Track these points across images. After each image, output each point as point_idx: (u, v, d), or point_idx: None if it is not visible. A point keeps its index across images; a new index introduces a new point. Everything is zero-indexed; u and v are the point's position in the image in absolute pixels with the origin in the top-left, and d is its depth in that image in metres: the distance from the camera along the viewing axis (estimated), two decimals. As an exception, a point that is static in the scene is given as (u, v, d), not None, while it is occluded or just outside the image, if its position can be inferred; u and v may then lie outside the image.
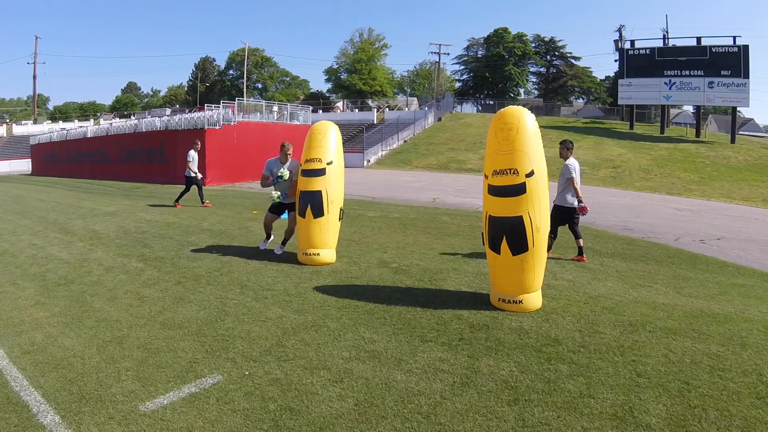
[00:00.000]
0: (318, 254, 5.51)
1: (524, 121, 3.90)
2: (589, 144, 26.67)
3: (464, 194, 14.00)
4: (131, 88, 78.10)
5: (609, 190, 16.58)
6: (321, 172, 5.47)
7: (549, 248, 4.04)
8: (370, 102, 48.78)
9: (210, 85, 62.55)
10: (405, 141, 31.82)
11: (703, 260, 6.16)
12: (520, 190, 3.81)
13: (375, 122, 35.68)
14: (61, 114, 65.41)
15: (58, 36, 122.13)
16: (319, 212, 5.42)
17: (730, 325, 3.69)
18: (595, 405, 2.57)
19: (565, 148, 5.90)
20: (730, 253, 6.71)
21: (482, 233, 4.24)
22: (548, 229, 4.00)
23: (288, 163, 6.01)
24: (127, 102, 69.63)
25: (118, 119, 45.57)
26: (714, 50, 27.06)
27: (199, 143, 11.59)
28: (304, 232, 5.55)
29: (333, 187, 5.51)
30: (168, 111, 42.79)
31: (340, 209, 5.64)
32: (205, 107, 23.83)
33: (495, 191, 3.94)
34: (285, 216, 6.19)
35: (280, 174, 5.84)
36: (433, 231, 7.85)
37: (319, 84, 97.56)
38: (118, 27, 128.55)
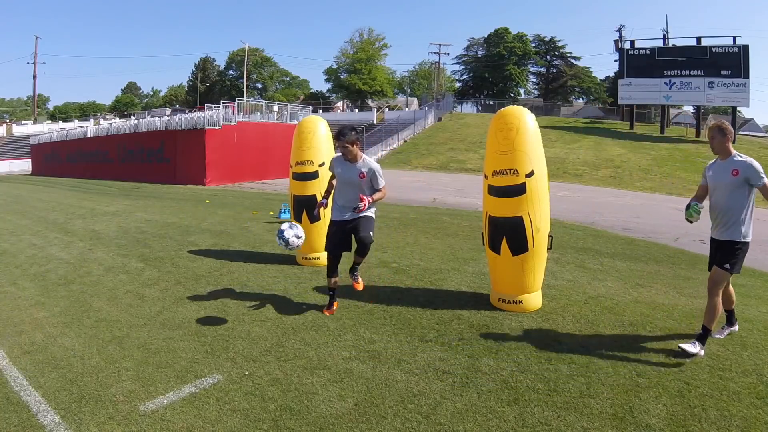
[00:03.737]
0: (318, 258, 5.50)
1: (524, 121, 3.90)
2: (589, 144, 26.67)
3: (464, 194, 13.99)
4: (131, 88, 78.01)
5: (609, 190, 16.56)
6: (314, 176, 5.29)
7: (549, 247, 4.05)
8: (370, 102, 48.73)
9: (210, 85, 62.52)
10: (405, 141, 31.82)
11: (703, 260, 6.10)
12: (520, 190, 3.81)
13: (375, 122, 35.69)
14: (61, 114, 65.43)
15: (58, 36, 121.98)
16: (315, 217, 5.30)
17: (730, 325, 3.68)
18: (595, 405, 2.57)
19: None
20: (730, 253, 6.69)
21: (482, 233, 4.24)
22: (548, 229, 4.00)
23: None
24: (127, 102, 69.56)
25: (118, 119, 45.52)
26: (714, 50, 27.02)
27: None
28: None
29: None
30: (168, 111, 42.79)
31: None
32: (205, 107, 23.83)
33: (495, 191, 3.94)
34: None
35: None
36: (433, 231, 7.84)
37: (319, 84, 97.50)
38: (118, 27, 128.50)
